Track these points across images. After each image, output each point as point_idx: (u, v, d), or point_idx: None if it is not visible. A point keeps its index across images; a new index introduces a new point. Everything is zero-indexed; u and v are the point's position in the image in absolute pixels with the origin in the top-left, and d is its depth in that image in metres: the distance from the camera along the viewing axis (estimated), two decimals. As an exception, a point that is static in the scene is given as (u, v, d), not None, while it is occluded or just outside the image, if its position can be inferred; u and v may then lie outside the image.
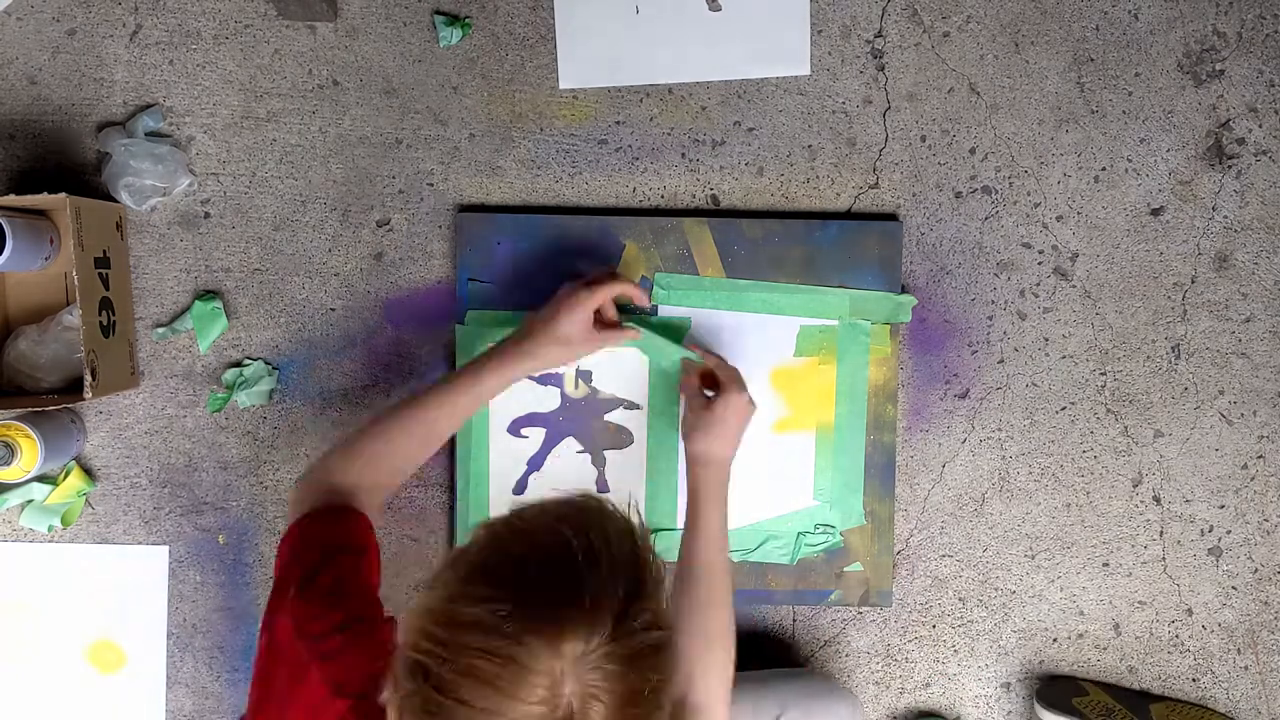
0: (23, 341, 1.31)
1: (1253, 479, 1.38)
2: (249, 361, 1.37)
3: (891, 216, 1.36)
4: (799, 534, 1.35)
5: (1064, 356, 1.37)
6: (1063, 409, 1.38)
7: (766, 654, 1.38)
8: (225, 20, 1.36)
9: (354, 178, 1.37)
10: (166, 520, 1.39)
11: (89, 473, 1.38)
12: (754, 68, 1.35)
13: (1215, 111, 1.36)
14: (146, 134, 1.35)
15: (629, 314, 1.31)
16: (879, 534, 1.35)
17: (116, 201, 1.34)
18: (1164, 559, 1.38)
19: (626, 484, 1.35)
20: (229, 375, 1.37)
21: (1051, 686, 1.36)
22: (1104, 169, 1.36)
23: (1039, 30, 1.35)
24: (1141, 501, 1.38)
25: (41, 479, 1.36)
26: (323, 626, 0.94)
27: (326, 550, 1.03)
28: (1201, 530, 1.38)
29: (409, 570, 1.37)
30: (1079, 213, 1.37)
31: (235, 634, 1.39)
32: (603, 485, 1.35)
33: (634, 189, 1.36)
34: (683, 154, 1.36)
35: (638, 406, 1.35)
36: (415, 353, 1.37)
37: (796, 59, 1.35)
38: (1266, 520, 1.38)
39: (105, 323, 1.29)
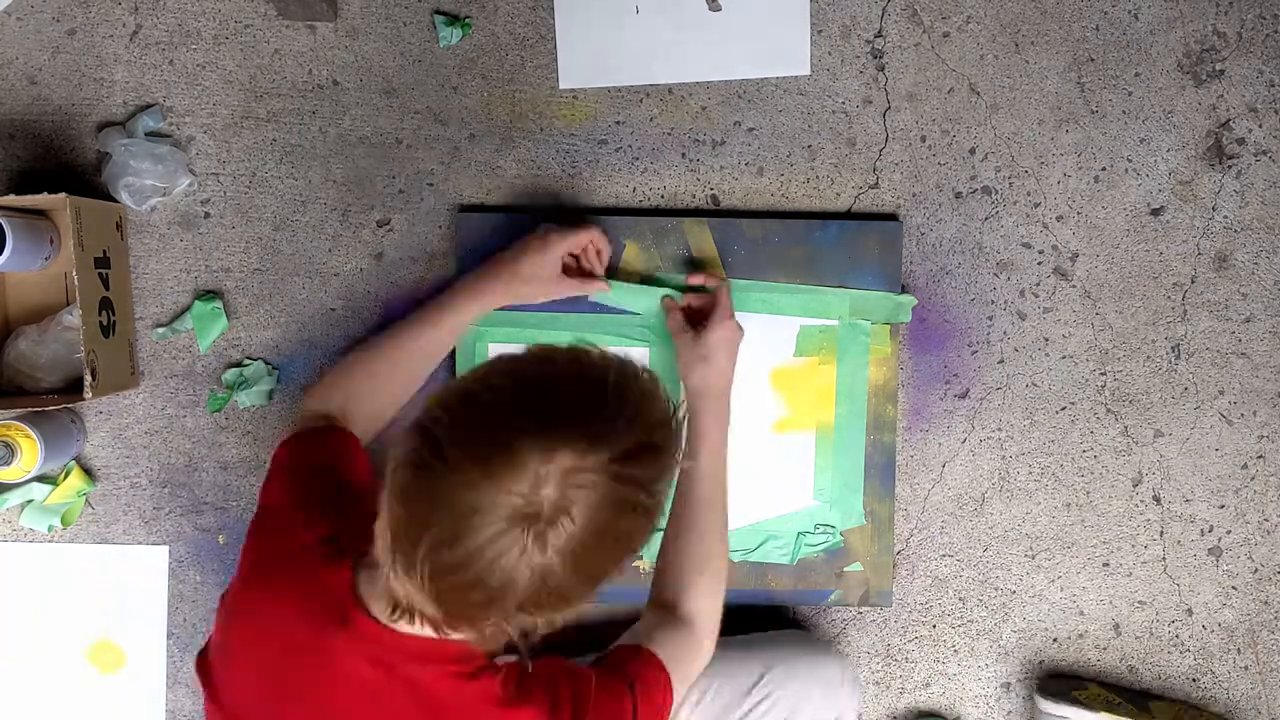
0: (23, 341, 1.31)
1: (1253, 479, 1.38)
2: (249, 361, 1.37)
3: (891, 216, 1.36)
4: (799, 534, 1.35)
5: (1064, 356, 1.37)
6: (1063, 409, 1.38)
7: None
8: (225, 20, 1.36)
9: (354, 178, 1.37)
10: (166, 520, 1.39)
11: (89, 473, 1.38)
12: (754, 68, 1.35)
13: (1215, 111, 1.36)
14: (146, 134, 1.35)
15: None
16: (879, 534, 1.35)
17: (116, 201, 1.34)
18: (1164, 559, 1.38)
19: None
20: (229, 375, 1.37)
21: (1052, 681, 1.36)
22: (1104, 169, 1.36)
23: (1039, 30, 1.35)
24: (1141, 501, 1.38)
25: (41, 479, 1.36)
26: (310, 539, 0.98)
27: (314, 467, 1.09)
28: (1201, 530, 1.38)
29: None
30: (1079, 213, 1.37)
31: (235, 634, 1.39)
32: (603, 485, 1.35)
33: (634, 189, 1.36)
34: (683, 154, 1.36)
35: (638, 406, 1.35)
36: (415, 353, 1.37)
37: (796, 59, 1.35)
38: (1266, 520, 1.38)
39: (105, 323, 1.29)
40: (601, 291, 1.30)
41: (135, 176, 1.32)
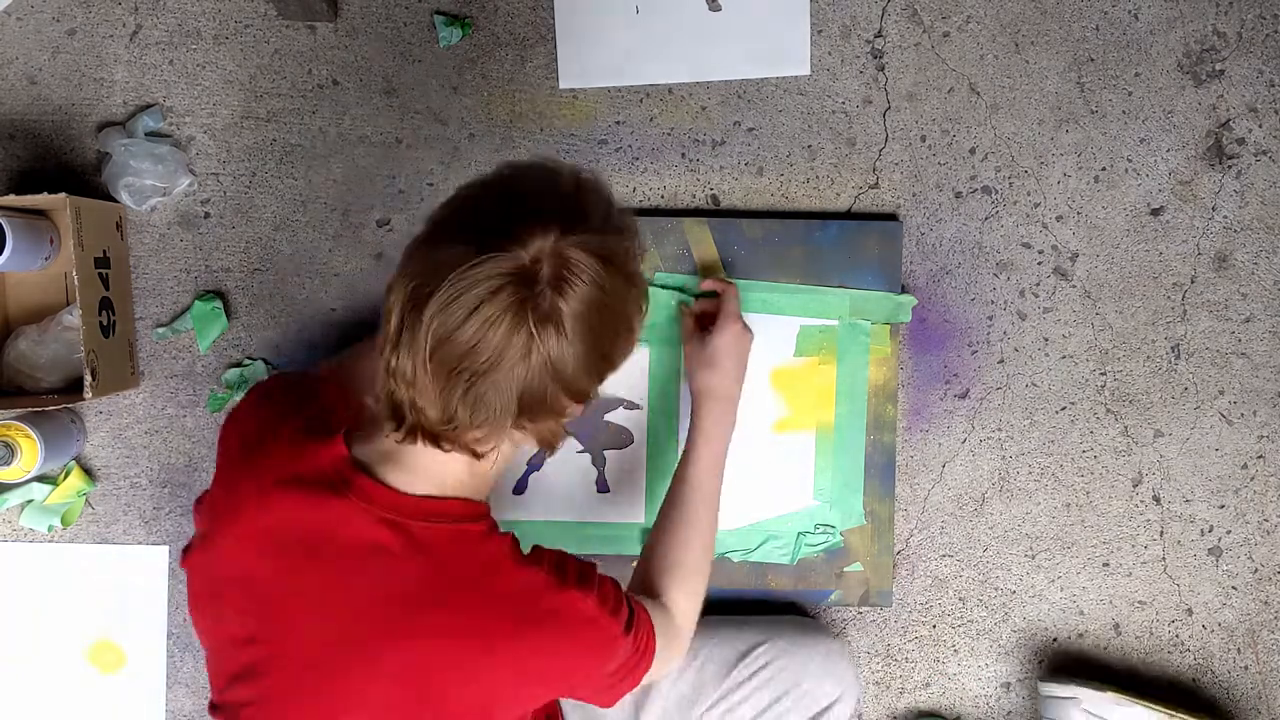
0: (23, 341, 1.31)
1: (1253, 479, 1.38)
2: (249, 361, 1.37)
3: (891, 216, 1.36)
4: (799, 534, 1.35)
5: (1064, 356, 1.37)
6: (1063, 409, 1.38)
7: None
8: (225, 20, 1.36)
9: (354, 178, 1.37)
10: (166, 520, 1.39)
11: (89, 473, 1.38)
12: (754, 68, 1.35)
13: (1215, 111, 1.36)
14: (146, 134, 1.35)
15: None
16: (879, 534, 1.35)
17: (116, 201, 1.34)
18: (1164, 559, 1.38)
19: (626, 484, 1.35)
20: (229, 375, 1.37)
21: (1054, 673, 1.37)
22: (1104, 169, 1.36)
23: (1039, 30, 1.35)
24: (1141, 501, 1.38)
25: (41, 479, 1.36)
26: (291, 425, 0.99)
27: (282, 384, 1.12)
28: (1201, 530, 1.38)
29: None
30: (1079, 213, 1.37)
31: (235, 634, 1.39)
32: (603, 485, 1.35)
33: (634, 189, 1.36)
34: (683, 154, 1.36)
35: (638, 406, 1.35)
36: (415, 353, 1.37)
37: (796, 59, 1.35)
38: (1266, 520, 1.38)
39: (105, 323, 1.29)
40: None
41: (135, 176, 1.32)
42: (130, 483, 1.39)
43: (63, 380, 1.32)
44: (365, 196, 1.37)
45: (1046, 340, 1.37)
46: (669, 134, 1.36)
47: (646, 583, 1.12)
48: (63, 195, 1.23)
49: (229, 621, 0.94)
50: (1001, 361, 1.37)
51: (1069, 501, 1.38)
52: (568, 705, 1.19)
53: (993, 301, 1.37)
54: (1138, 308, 1.37)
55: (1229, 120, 1.36)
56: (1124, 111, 1.36)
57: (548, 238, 0.82)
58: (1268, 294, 1.37)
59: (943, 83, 1.36)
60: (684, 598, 1.11)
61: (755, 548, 1.35)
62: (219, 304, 1.36)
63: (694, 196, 1.37)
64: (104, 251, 1.30)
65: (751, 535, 1.35)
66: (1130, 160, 1.36)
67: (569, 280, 0.83)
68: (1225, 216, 1.36)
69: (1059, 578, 1.39)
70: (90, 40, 1.36)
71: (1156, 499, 1.38)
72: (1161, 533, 1.38)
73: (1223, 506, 1.38)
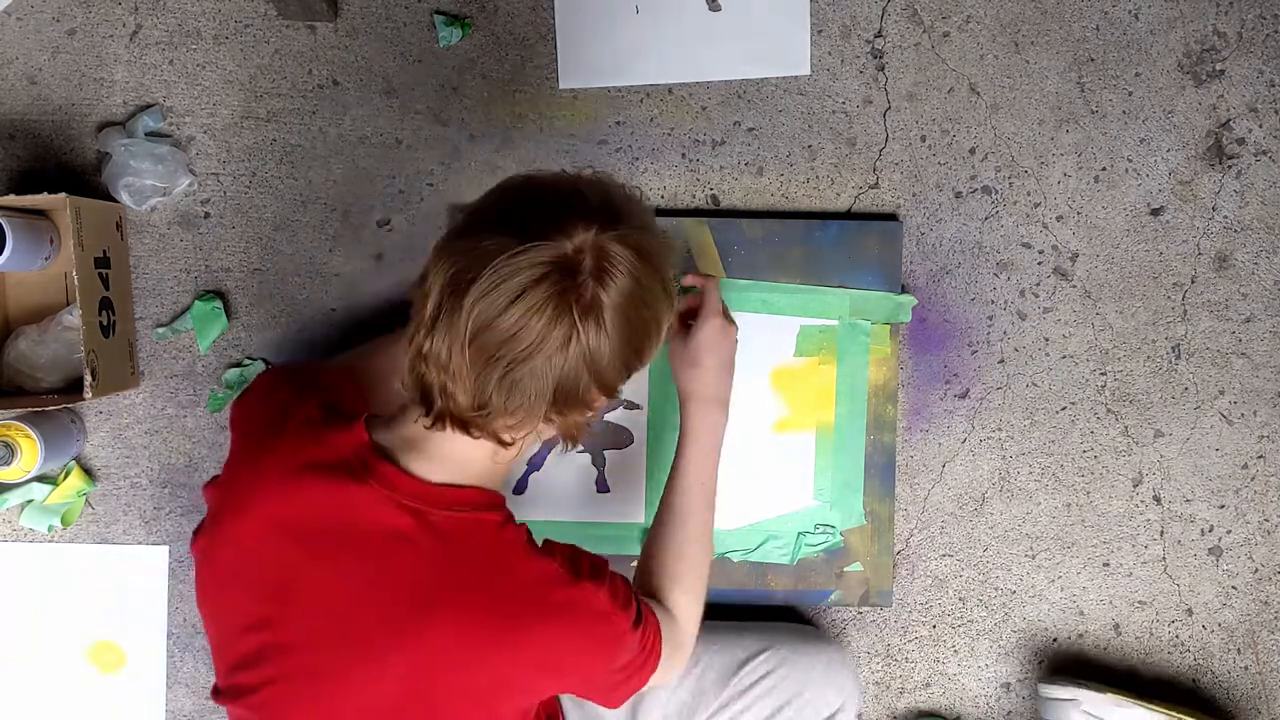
0: (23, 341, 1.31)
1: (1253, 479, 1.38)
2: (249, 361, 1.37)
3: (891, 216, 1.36)
4: (799, 534, 1.35)
5: (1064, 356, 1.37)
6: (1063, 409, 1.38)
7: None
8: (225, 20, 1.36)
9: (354, 178, 1.37)
10: (166, 520, 1.39)
11: (89, 473, 1.38)
12: (754, 68, 1.35)
13: (1215, 111, 1.36)
14: (146, 134, 1.35)
15: None
16: (879, 534, 1.35)
17: (116, 201, 1.34)
18: (1164, 559, 1.38)
19: (626, 484, 1.35)
20: (229, 375, 1.37)
21: (1054, 674, 1.37)
22: (1104, 169, 1.36)
23: (1039, 30, 1.35)
24: (1142, 501, 1.38)
25: (41, 479, 1.36)
26: (307, 411, 0.99)
27: (293, 371, 1.12)
28: (1201, 530, 1.38)
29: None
30: (1079, 213, 1.37)
31: (235, 634, 1.39)
32: (603, 485, 1.35)
33: (634, 189, 1.36)
34: (683, 154, 1.36)
35: (638, 406, 1.35)
36: (415, 353, 1.37)
37: (796, 59, 1.35)
38: (1266, 520, 1.38)
39: (105, 323, 1.29)
40: None
41: (135, 176, 1.32)
42: (130, 483, 1.39)
43: (63, 380, 1.32)
44: (365, 196, 1.37)
45: (1047, 340, 1.37)
46: (669, 134, 1.36)
47: (646, 587, 1.12)
48: (63, 195, 1.23)
49: (241, 605, 0.94)
50: (1002, 361, 1.37)
51: (1069, 501, 1.38)
52: (568, 705, 1.19)
53: (993, 301, 1.37)
54: (1138, 308, 1.37)
55: (1229, 120, 1.36)
56: (1124, 111, 1.36)
57: (589, 230, 0.84)
58: (1268, 294, 1.37)
59: (943, 83, 1.36)
60: (685, 599, 1.11)
61: (755, 548, 1.35)
62: (219, 304, 1.36)
63: (694, 196, 1.37)
64: (104, 251, 1.30)
65: (751, 535, 1.35)
66: (1130, 160, 1.36)
67: (610, 272, 0.84)
68: (1225, 216, 1.36)
69: (1059, 578, 1.39)
70: (90, 40, 1.36)
71: (1157, 499, 1.38)
72: (1162, 533, 1.38)
73: (1223, 506, 1.38)
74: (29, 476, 1.31)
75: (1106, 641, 1.39)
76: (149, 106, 1.36)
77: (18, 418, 1.29)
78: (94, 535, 1.39)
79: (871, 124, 1.36)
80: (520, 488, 1.35)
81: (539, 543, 0.97)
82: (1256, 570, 1.38)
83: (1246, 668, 1.39)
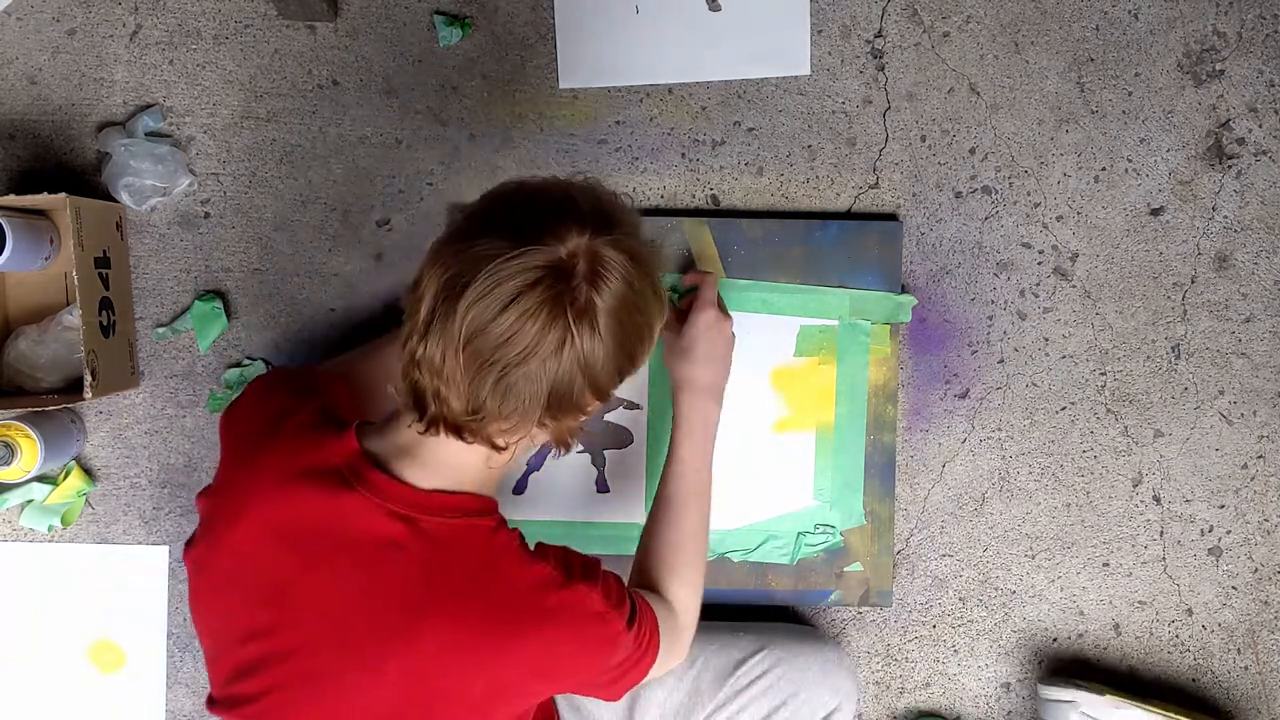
0: (23, 341, 1.31)
1: (1253, 479, 1.38)
2: (249, 361, 1.37)
3: (891, 216, 1.36)
4: (799, 534, 1.35)
5: (1064, 356, 1.37)
6: (1063, 409, 1.38)
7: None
8: (225, 20, 1.36)
9: (354, 178, 1.37)
10: (166, 520, 1.39)
11: (89, 473, 1.38)
12: (754, 68, 1.35)
13: (1215, 111, 1.36)
14: (146, 134, 1.35)
15: None
16: (879, 534, 1.35)
17: (116, 201, 1.34)
18: (1164, 559, 1.38)
19: (626, 484, 1.35)
20: (229, 375, 1.37)
21: (1054, 675, 1.37)
22: (1104, 169, 1.36)
23: (1039, 30, 1.35)
24: (1141, 501, 1.38)
25: (41, 479, 1.36)
26: (300, 417, 0.99)
27: (287, 374, 1.12)
28: (1201, 530, 1.38)
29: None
30: (1079, 213, 1.37)
31: (235, 634, 1.39)
32: (603, 485, 1.35)
33: (634, 189, 1.36)
34: (683, 154, 1.36)
35: (638, 406, 1.35)
36: (415, 353, 1.37)
37: (796, 59, 1.35)
38: (1266, 520, 1.38)
39: (105, 323, 1.29)
40: None
41: (135, 176, 1.32)
42: (130, 483, 1.39)
43: (63, 380, 1.32)
44: (365, 196, 1.37)
45: (1046, 340, 1.37)
46: (669, 134, 1.36)
47: (644, 579, 1.12)
48: (63, 195, 1.23)
49: (238, 612, 0.94)
50: (1001, 361, 1.37)
51: (1069, 501, 1.38)
52: (562, 705, 1.19)
53: (993, 301, 1.37)
54: (1138, 308, 1.37)
55: (1229, 120, 1.36)
56: (1124, 111, 1.36)
57: (583, 235, 0.84)
58: (1268, 294, 1.37)
59: (943, 83, 1.36)
60: (683, 590, 1.11)
61: (755, 548, 1.35)
62: (219, 304, 1.37)
63: (694, 196, 1.37)
64: (104, 251, 1.30)
65: (751, 535, 1.35)
66: (1130, 160, 1.36)
67: (604, 276, 0.85)
68: (1225, 216, 1.36)
69: (1059, 578, 1.39)
70: (90, 40, 1.36)
71: (1156, 499, 1.38)
72: (1161, 533, 1.38)
73: (1223, 506, 1.38)
74: (29, 476, 1.31)
75: (1106, 641, 1.39)
76: (149, 106, 1.36)
77: (18, 418, 1.29)
78: (94, 535, 1.39)
79: (871, 124, 1.36)
80: (520, 488, 1.35)
81: (531, 546, 0.97)
82: (1256, 570, 1.38)
83: (1246, 668, 1.39)
